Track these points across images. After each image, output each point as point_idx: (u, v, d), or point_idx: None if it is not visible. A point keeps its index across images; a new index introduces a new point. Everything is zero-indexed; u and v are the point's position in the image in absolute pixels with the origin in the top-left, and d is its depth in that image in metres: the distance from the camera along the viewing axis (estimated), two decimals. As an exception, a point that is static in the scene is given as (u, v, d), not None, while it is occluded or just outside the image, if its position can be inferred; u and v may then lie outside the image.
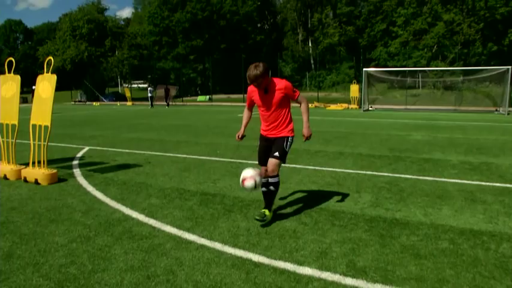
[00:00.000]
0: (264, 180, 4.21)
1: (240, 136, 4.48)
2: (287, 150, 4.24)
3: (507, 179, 6.12)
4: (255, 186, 4.09)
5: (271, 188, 4.21)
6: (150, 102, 30.56)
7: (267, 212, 4.24)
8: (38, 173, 6.05)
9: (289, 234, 3.94)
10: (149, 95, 30.83)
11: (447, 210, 4.65)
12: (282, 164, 4.34)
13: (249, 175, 4.10)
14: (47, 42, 52.85)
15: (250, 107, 4.52)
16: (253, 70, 4.00)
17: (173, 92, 37.91)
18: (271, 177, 4.18)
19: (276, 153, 4.17)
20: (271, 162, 4.17)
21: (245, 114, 4.57)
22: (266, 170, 4.28)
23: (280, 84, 4.13)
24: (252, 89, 4.26)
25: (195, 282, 3.01)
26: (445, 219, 4.34)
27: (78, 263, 3.33)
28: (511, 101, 20.77)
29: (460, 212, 4.58)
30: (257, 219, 4.15)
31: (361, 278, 3.06)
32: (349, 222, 4.29)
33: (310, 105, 27.30)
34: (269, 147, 4.29)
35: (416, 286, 2.94)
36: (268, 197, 4.29)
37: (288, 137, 4.24)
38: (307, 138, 4.30)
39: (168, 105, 31.60)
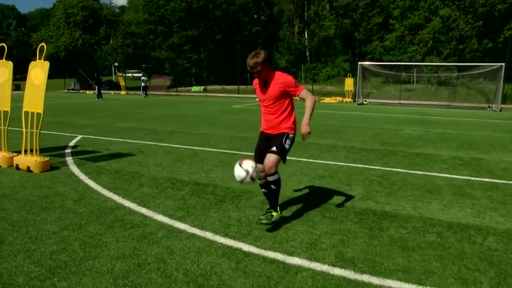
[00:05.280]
0: (262, 181, 3.99)
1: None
2: (286, 147, 3.91)
3: (496, 175, 6.20)
4: (243, 179, 3.71)
5: (272, 187, 3.92)
6: (143, 92, 30.41)
7: (273, 212, 3.95)
8: (30, 160, 6.03)
9: (280, 225, 3.98)
10: (143, 84, 30.66)
11: (436, 204, 4.71)
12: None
13: (246, 166, 3.72)
14: (41, 29, 52.13)
15: None
16: (254, 57, 3.77)
17: (167, 82, 37.74)
18: (269, 175, 3.87)
19: (274, 148, 3.85)
20: (268, 158, 3.85)
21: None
22: (262, 171, 3.99)
23: (280, 78, 3.87)
24: (255, 81, 4.04)
25: (186, 270, 3.05)
26: (433, 213, 4.41)
27: (69, 250, 3.36)
28: (504, 98, 20.90)
29: (448, 206, 4.64)
30: (264, 223, 3.86)
31: (349, 269, 3.11)
32: (340, 214, 4.34)
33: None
34: (267, 146, 3.96)
35: (403, 277, 2.99)
36: (272, 197, 4.00)
37: (288, 134, 3.93)
38: (305, 135, 3.82)
39: (99, 97, 26.51)
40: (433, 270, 3.10)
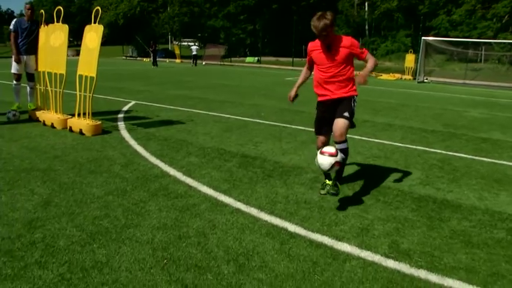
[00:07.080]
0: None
1: (291, 96, 4.06)
2: (354, 111, 3.75)
3: None
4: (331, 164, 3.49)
5: (342, 156, 3.58)
6: (192, 61, 30.53)
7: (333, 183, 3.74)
8: (82, 123, 6.12)
9: (329, 206, 3.72)
10: (194, 53, 30.73)
11: (505, 197, 4.23)
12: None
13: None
14: (102, -4, 53.66)
15: (310, 66, 4.00)
16: (322, 19, 3.46)
17: (222, 51, 37.71)
18: (339, 143, 3.64)
19: (346, 113, 3.64)
20: (339, 123, 3.62)
21: (302, 73, 4.11)
22: (323, 143, 3.83)
23: (346, 41, 3.65)
24: (313, 45, 3.80)
25: (227, 247, 2.89)
26: (502, 206, 3.95)
27: (111, 217, 3.31)
28: None
29: (520, 199, 4.16)
30: (332, 193, 3.67)
31: (404, 262, 2.81)
32: (395, 199, 4.00)
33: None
34: (330, 114, 3.75)
35: (466, 277, 2.66)
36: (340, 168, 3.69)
37: (353, 96, 3.75)
38: (360, 83, 3.56)
39: (154, 64, 27.70)
40: (502, 273, 2.73)
